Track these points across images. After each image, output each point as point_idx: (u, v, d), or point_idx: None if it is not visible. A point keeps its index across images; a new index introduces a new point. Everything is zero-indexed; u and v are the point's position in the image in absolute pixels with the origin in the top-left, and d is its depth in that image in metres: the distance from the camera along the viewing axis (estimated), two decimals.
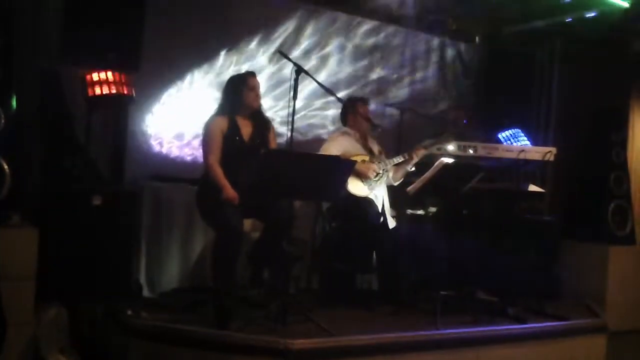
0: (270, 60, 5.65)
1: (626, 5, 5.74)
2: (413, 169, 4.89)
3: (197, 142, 5.26)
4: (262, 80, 5.25)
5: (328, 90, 4.61)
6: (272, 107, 5.52)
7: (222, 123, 4.24)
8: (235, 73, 5.19)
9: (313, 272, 5.04)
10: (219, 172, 4.12)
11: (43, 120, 4.54)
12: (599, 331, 4.88)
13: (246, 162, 4.09)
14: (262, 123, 4.41)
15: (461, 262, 4.82)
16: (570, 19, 6.14)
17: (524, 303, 4.85)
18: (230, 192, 4.05)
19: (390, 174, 4.92)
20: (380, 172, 4.80)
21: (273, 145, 4.44)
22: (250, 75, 4.38)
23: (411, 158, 4.79)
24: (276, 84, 5.63)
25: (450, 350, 4.08)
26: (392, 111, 5.71)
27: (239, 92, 4.30)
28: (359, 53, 6.23)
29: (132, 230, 4.58)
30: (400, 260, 4.79)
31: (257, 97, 4.37)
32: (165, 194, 4.91)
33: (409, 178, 4.92)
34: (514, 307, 4.69)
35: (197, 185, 4.35)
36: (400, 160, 4.82)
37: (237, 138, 4.26)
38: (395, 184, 4.98)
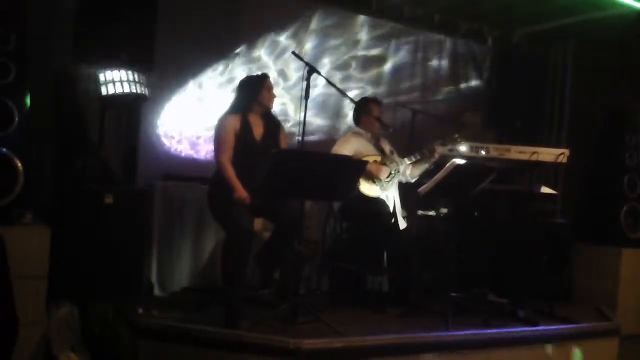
0: (282, 59, 5.67)
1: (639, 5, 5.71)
2: (432, 166, 4.87)
3: (209, 142, 5.28)
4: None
5: (340, 90, 4.61)
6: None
7: (235, 122, 4.26)
8: (247, 73, 5.23)
9: (323, 273, 5.04)
10: (230, 171, 4.13)
11: (56, 119, 4.57)
12: (610, 334, 4.84)
13: (257, 162, 4.11)
14: (273, 123, 4.43)
15: (472, 264, 4.81)
16: (583, 20, 6.11)
17: (535, 305, 4.83)
18: (241, 192, 4.06)
19: (408, 171, 4.90)
20: (392, 172, 4.79)
21: (283, 146, 4.45)
22: (266, 76, 4.42)
23: (432, 155, 4.76)
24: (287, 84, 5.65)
25: (461, 352, 4.06)
26: (404, 111, 5.70)
27: (256, 91, 4.33)
28: (372, 53, 6.23)
29: (144, 229, 4.60)
30: (411, 261, 4.78)
31: (273, 97, 4.40)
32: (177, 193, 4.92)
33: (420, 179, 4.91)
34: (525, 310, 4.66)
35: (208, 184, 4.37)
36: (413, 160, 4.80)
37: (249, 137, 4.27)
38: (412, 180, 4.96)
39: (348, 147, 4.78)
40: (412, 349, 3.89)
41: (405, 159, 4.80)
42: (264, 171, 3.79)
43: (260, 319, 3.87)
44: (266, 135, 4.35)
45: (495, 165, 4.59)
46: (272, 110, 4.46)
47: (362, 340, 3.78)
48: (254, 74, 4.60)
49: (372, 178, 4.68)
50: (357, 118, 5.04)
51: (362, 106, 4.96)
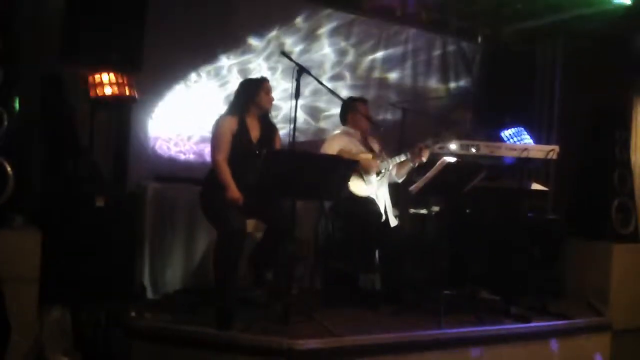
0: (272, 60, 5.66)
1: (627, 2, 5.73)
2: (417, 165, 4.88)
3: (200, 142, 5.28)
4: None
5: (330, 90, 4.60)
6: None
7: (232, 123, 4.29)
8: (237, 73, 5.24)
9: (316, 272, 5.04)
10: (226, 170, 4.15)
11: (46, 121, 4.55)
12: (603, 330, 4.87)
13: (252, 163, 4.14)
14: (269, 126, 4.47)
15: (464, 261, 4.82)
16: (572, 17, 6.13)
17: (527, 302, 4.85)
18: (234, 192, 4.08)
19: (394, 171, 4.91)
20: (382, 171, 4.79)
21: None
22: (266, 80, 4.46)
23: (419, 158, 4.74)
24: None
25: (454, 349, 4.08)
26: (394, 110, 5.71)
27: (255, 94, 4.36)
28: (361, 52, 6.23)
29: (135, 232, 4.58)
30: (403, 259, 4.78)
31: (271, 100, 4.44)
32: (168, 194, 4.90)
33: (411, 177, 4.91)
34: (517, 306, 4.68)
35: (200, 185, 4.36)
36: (401, 160, 4.80)
37: (246, 139, 4.30)
38: (399, 180, 4.97)
39: (337, 145, 4.78)
40: (404, 347, 3.90)
41: (396, 158, 4.80)
42: (257, 172, 3.81)
43: (253, 319, 3.87)
44: (262, 138, 4.38)
45: (485, 162, 4.60)
46: (269, 114, 4.50)
47: (355, 340, 3.78)
48: (254, 76, 4.61)
49: (363, 175, 4.68)
50: (344, 117, 5.04)
51: (349, 105, 4.96)
